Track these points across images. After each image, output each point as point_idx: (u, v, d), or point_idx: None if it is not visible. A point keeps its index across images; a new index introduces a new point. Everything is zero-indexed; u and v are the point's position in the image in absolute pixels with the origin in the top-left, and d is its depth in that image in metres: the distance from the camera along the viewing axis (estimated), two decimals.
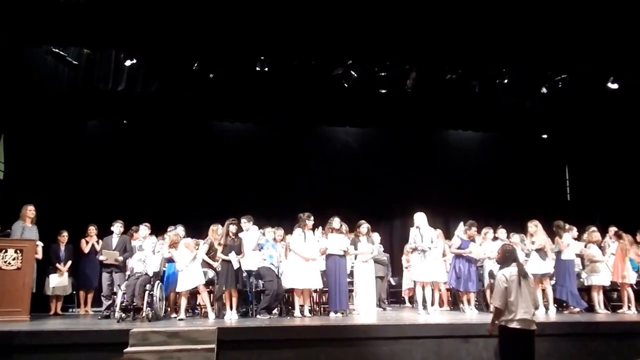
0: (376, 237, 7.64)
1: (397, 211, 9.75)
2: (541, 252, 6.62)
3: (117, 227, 6.84)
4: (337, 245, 6.50)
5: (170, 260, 6.54)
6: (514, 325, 3.80)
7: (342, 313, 6.35)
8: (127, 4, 6.53)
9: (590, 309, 6.77)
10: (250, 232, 6.59)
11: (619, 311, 6.82)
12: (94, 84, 7.84)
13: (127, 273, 6.35)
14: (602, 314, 6.64)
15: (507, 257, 4.04)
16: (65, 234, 7.20)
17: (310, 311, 6.46)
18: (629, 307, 6.78)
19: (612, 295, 7.38)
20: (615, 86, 8.29)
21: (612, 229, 7.34)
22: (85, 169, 8.67)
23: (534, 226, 6.71)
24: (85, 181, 8.60)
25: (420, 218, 6.63)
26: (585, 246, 7.09)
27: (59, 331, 5.01)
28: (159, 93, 8.01)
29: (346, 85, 8.03)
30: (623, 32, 7.17)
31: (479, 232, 7.18)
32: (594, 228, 7.21)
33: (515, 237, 7.16)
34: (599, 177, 9.85)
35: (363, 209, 8.35)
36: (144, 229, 6.81)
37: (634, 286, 6.98)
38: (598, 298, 6.80)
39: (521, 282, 3.86)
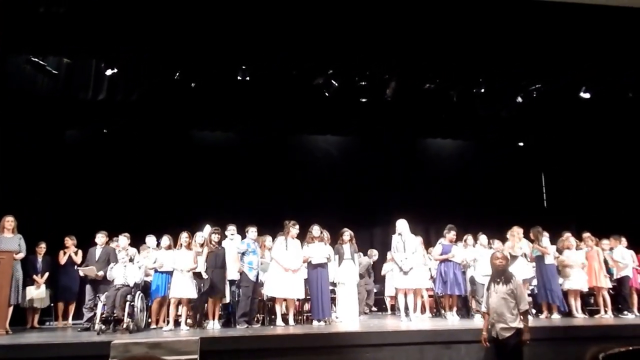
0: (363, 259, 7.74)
1: (378, 219, 9.83)
2: (524, 257, 6.81)
3: (100, 238, 6.74)
4: (319, 254, 6.54)
5: (155, 270, 6.49)
6: None
7: (325, 321, 6.38)
8: (107, 13, 6.50)
9: (568, 313, 6.94)
10: (235, 240, 6.57)
11: (596, 316, 7.00)
12: (74, 93, 7.76)
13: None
14: (579, 318, 6.79)
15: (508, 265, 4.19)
16: (43, 245, 7.06)
17: (293, 320, 6.47)
18: (605, 311, 6.97)
19: (589, 299, 7.60)
20: (587, 96, 8.62)
21: (586, 235, 7.57)
22: (64, 179, 8.51)
23: (517, 234, 6.90)
24: (64, 191, 8.44)
25: (402, 225, 6.72)
26: (560, 252, 7.27)
27: (37, 344, 4.92)
28: (139, 102, 7.97)
29: (327, 94, 8.13)
30: (592, 44, 7.49)
31: (459, 239, 7.32)
32: (568, 234, 7.40)
33: (497, 244, 7.30)
34: (574, 184, 10.15)
35: (344, 217, 8.41)
36: (124, 239, 6.73)
37: (610, 290, 7.20)
38: (575, 303, 6.95)
39: None
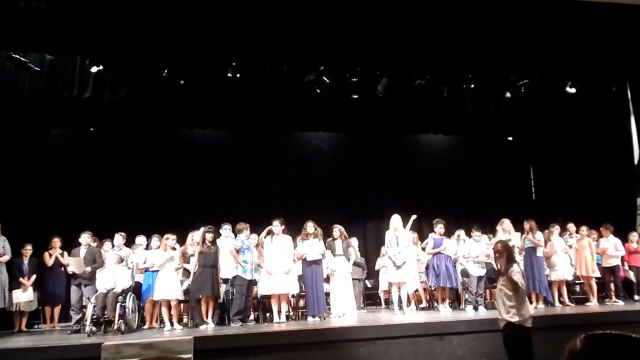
0: (354, 241, 7.71)
1: (370, 214, 9.86)
2: (514, 249, 6.89)
3: (85, 238, 6.61)
4: (314, 250, 6.52)
5: (146, 270, 6.39)
6: (529, 324, 3.81)
7: (320, 317, 6.38)
8: (91, 7, 6.36)
9: (552, 302, 7.06)
10: (229, 239, 6.52)
11: (586, 304, 7.13)
12: (58, 91, 7.59)
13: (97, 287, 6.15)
14: (566, 306, 6.94)
15: (512, 253, 4.02)
16: (29, 247, 6.89)
17: (288, 317, 6.46)
18: (591, 299, 7.11)
19: (575, 288, 7.75)
20: (572, 90, 8.77)
21: (570, 225, 7.69)
22: (49, 179, 8.31)
23: (507, 226, 6.97)
24: (49, 192, 8.24)
25: (396, 220, 6.75)
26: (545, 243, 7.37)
27: (26, 348, 4.80)
28: (127, 100, 7.84)
29: (318, 90, 8.11)
30: (577, 40, 7.61)
31: (451, 232, 7.37)
32: (556, 227, 7.50)
33: (484, 239, 7.35)
34: (561, 177, 10.30)
35: (337, 213, 8.41)
36: (119, 238, 6.62)
37: (596, 279, 7.33)
38: (560, 291, 7.10)
39: (523, 278, 3.94)
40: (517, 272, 3.85)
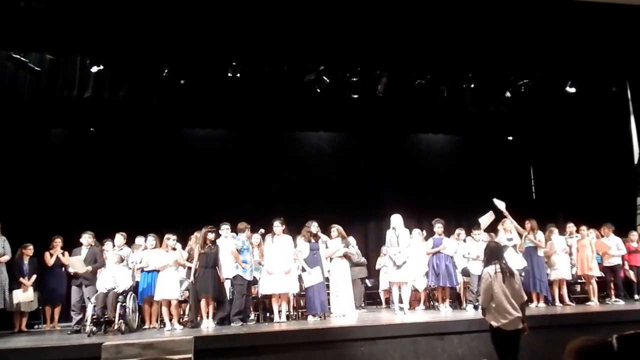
0: (351, 240, 7.72)
1: (371, 214, 9.86)
2: (515, 247, 6.91)
3: (86, 239, 6.60)
4: (316, 273, 6.49)
5: (142, 270, 6.39)
6: (508, 328, 3.78)
7: (321, 317, 6.38)
8: (91, 7, 6.37)
9: (552, 302, 7.08)
10: (228, 239, 6.52)
11: (587, 303, 7.14)
12: (58, 91, 7.59)
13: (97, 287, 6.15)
14: (567, 306, 6.95)
15: (492, 255, 3.98)
16: (30, 247, 6.89)
17: (288, 316, 6.46)
18: (592, 299, 7.11)
19: (575, 288, 7.76)
20: (572, 90, 8.77)
21: (570, 225, 7.70)
22: (49, 180, 8.31)
23: (507, 225, 6.98)
24: (50, 192, 8.24)
25: (396, 220, 6.75)
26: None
27: (27, 348, 4.81)
28: (127, 100, 7.84)
29: (318, 90, 8.12)
30: (577, 39, 7.62)
31: (452, 232, 7.37)
32: (552, 228, 7.52)
33: (485, 236, 7.36)
34: (561, 177, 10.30)
35: (337, 213, 8.40)
36: (120, 238, 6.61)
37: (596, 278, 7.34)
38: (560, 292, 7.11)
39: (505, 280, 3.81)
40: (486, 272, 3.88)
